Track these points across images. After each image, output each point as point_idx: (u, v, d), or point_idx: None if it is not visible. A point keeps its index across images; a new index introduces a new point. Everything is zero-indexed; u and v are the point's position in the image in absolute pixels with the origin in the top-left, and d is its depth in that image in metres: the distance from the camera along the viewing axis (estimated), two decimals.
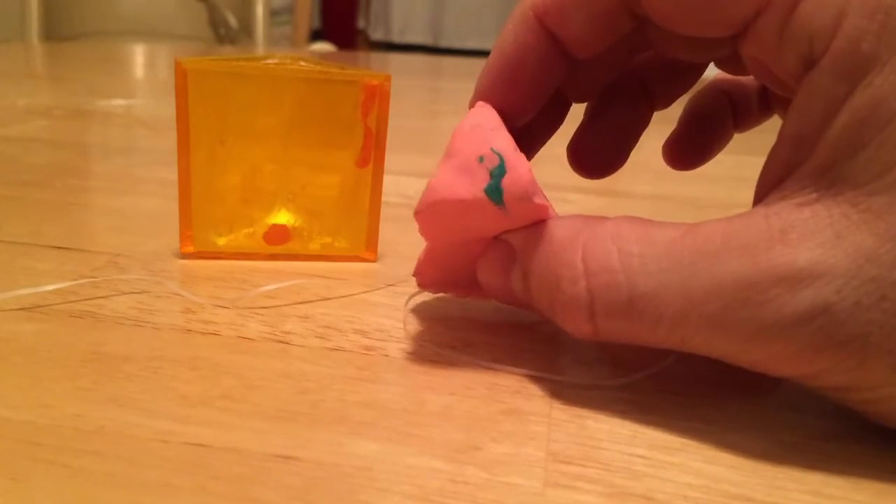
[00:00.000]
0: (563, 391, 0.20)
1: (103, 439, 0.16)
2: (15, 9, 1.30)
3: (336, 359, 0.21)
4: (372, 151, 0.27)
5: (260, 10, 1.51)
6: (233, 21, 1.43)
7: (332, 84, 0.27)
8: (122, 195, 0.35)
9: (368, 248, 0.28)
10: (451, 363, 0.21)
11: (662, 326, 0.17)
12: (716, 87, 0.26)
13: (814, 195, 0.16)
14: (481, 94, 0.22)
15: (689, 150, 0.27)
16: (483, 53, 2.22)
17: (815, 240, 0.16)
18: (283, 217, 0.28)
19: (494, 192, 0.18)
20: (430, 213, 0.19)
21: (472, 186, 0.19)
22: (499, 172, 0.18)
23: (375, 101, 0.27)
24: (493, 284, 0.21)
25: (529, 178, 0.18)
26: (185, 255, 0.27)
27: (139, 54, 1.08)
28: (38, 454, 0.16)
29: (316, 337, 0.22)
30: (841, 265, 0.15)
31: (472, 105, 0.22)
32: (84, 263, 0.26)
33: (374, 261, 0.28)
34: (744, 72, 0.24)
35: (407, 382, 0.20)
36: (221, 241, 0.28)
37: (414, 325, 0.23)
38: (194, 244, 0.27)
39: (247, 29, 1.50)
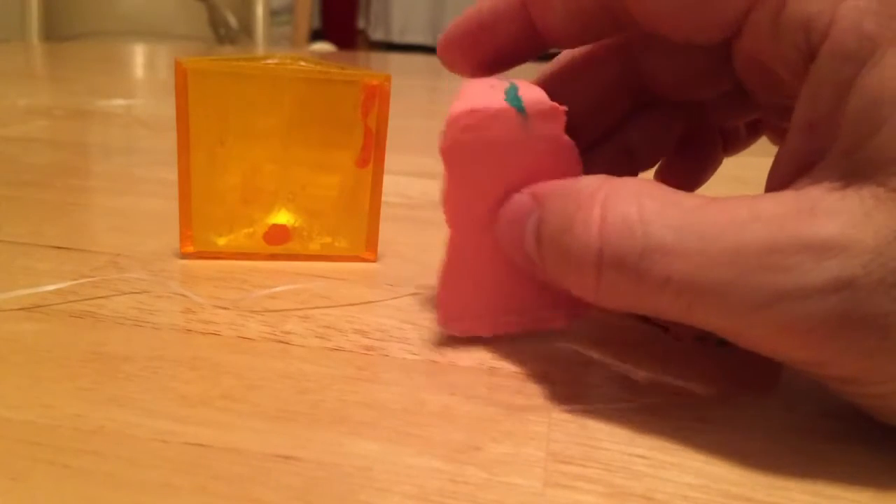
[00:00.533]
0: (563, 391, 0.20)
1: (103, 439, 0.16)
2: (15, 9, 1.30)
3: (336, 359, 0.21)
4: (372, 151, 0.27)
5: (260, 10, 1.51)
6: (233, 21, 1.43)
7: (332, 84, 0.27)
8: (122, 195, 0.35)
9: (368, 248, 0.28)
10: (451, 363, 0.21)
11: (670, 288, 0.16)
12: None
13: (842, 181, 0.16)
14: (445, 43, 0.22)
15: (680, 176, 0.26)
16: None
17: (845, 216, 0.15)
18: (283, 217, 0.28)
19: (514, 100, 0.20)
20: (456, 136, 0.20)
21: (493, 101, 0.20)
22: (513, 90, 0.20)
23: (375, 101, 0.27)
24: (507, 237, 0.20)
25: (541, 90, 0.20)
26: (185, 255, 0.27)
27: (139, 54, 1.08)
28: (38, 454, 0.16)
29: (316, 337, 0.22)
30: (869, 241, 0.15)
31: (438, 50, 0.23)
32: (84, 263, 0.26)
33: (374, 261, 0.28)
34: (739, 112, 0.24)
35: (407, 382, 0.20)
36: (221, 241, 0.27)
37: (414, 326, 0.23)
38: (194, 244, 0.27)
39: (247, 29, 1.50)
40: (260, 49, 1.43)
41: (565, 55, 0.24)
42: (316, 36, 2.23)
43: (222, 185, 0.27)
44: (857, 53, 0.16)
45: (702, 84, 0.22)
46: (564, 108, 0.20)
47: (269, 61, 0.27)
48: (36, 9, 1.31)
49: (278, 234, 0.28)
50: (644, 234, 0.17)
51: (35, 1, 1.31)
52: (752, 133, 0.27)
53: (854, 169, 0.16)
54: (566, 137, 0.20)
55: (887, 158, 0.15)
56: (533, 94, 0.20)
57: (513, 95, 0.20)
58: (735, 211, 0.16)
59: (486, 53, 0.22)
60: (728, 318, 0.16)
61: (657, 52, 0.22)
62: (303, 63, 0.28)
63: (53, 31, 1.34)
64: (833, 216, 0.15)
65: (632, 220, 0.17)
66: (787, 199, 0.16)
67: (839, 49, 0.16)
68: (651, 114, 0.24)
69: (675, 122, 0.25)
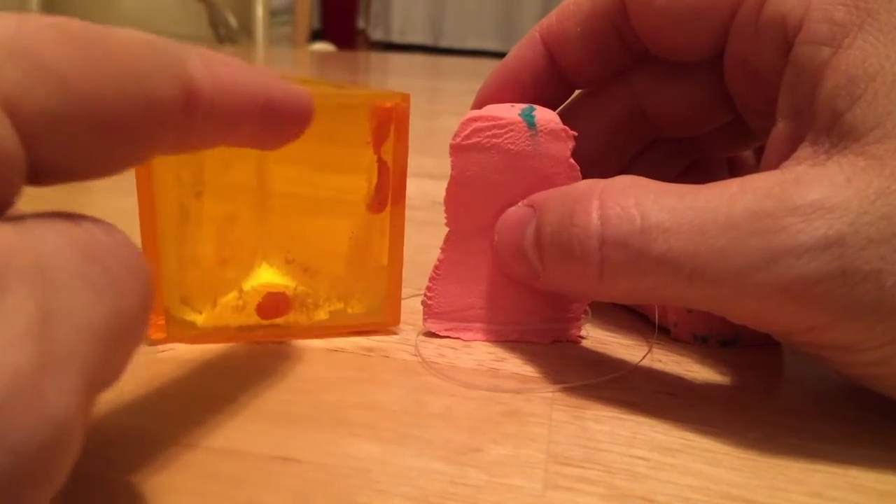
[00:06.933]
0: (564, 392, 0.20)
1: (102, 441, 0.16)
2: (15, 9, 1.30)
3: (336, 360, 0.21)
4: (389, 192, 0.21)
5: (260, 10, 1.51)
6: (233, 21, 1.43)
7: (331, 110, 0.21)
8: (124, 196, 0.35)
9: (389, 312, 0.22)
10: (451, 364, 0.21)
11: (670, 261, 0.17)
12: None
13: (823, 156, 0.17)
14: (479, 102, 0.23)
15: None
16: (483, 53, 2.22)
17: (827, 182, 0.16)
18: (271, 275, 0.23)
19: (528, 117, 0.21)
20: (466, 136, 0.20)
21: (507, 113, 0.21)
22: (529, 108, 0.21)
23: (391, 127, 0.21)
24: (505, 246, 0.21)
25: (556, 115, 0.21)
26: (155, 343, 0.21)
27: None
28: None
29: (315, 338, 0.22)
30: (853, 202, 0.16)
31: (475, 105, 0.23)
32: None
33: (396, 324, 0.23)
34: (741, 143, 0.25)
35: (407, 384, 0.20)
36: (200, 319, 0.22)
37: (414, 327, 0.23)
38: (167, 327, 0.21)
39: (247, 29, 1.50)
40: (259, 49, 1.43)
41: (575, 99, 0.25)
42: (316, 36, 2.23)
43: (201, 249, 0.22)
44: (830, 39, 0.17)
45: (701, 117, 0.23)
46: (574, 132, 0.21)
47: None
48: (36, 9, 1.31)
49: (275, 305, 0.22)
50: (642, 217, 0.17)
51: (35, 1, 1.31)
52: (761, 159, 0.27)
53: (833, 143, 0.17)
54: (572, 161, 0.21)
55: (864, 129, 0.16)
56: (546, 115, 0.21)
57: (527, 112, 0.21)
58: (725, 188, 0.17)
59: (519, 101, 0.22)
60: (726, 286, 0.17)
61: (658, 88, 0.23)
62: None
63: None
64: (817, 183, 0.16)
65: (629, 207, 0.18)
66: (773, 175, 0.17)
67: (813, 37, 0.17)
68: (656, 150, 0.25)
69: (679, 156, 0.25)
